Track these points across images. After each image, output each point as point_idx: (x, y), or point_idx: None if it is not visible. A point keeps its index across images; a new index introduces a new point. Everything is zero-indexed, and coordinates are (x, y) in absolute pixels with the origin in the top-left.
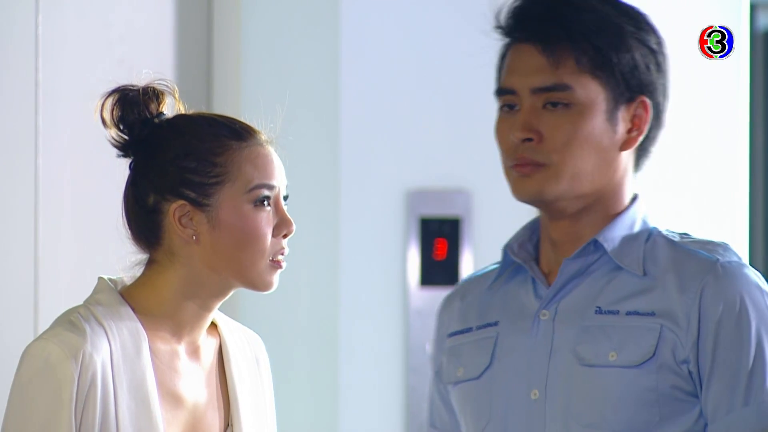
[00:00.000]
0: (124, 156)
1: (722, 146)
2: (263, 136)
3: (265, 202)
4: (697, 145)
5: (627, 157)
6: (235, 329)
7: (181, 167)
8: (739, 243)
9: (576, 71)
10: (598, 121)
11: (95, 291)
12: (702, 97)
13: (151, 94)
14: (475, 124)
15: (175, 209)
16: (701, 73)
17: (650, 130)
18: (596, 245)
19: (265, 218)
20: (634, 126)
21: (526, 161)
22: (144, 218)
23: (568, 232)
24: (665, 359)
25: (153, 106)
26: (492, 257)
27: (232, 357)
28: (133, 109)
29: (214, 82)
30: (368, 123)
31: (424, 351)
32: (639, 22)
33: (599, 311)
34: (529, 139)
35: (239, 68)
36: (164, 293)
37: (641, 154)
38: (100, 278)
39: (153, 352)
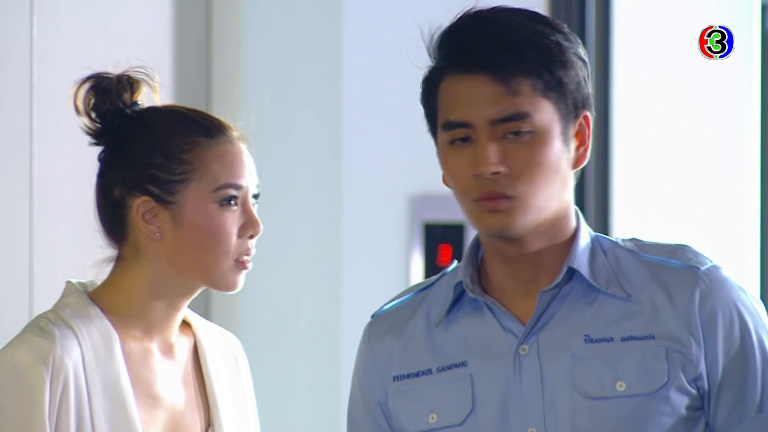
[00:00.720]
0: (97, 144)
1: (732, 150)
2: (235, 134)
3: (232, 202)
4: (706, 150)
5: (572, 173)
6: (210, 328)
7: (148, 163)
8: (749, 251)
9: (531, 96)
10: (556, 145)
11: (63, 295)
12: (712, 100)
13: (126, 83)
14: None
15: (138, 205)
16: (711, 76)
17: None
18: (568, 270)
19: (231, 218)
20: (580, 143)
21: (496, 195)
22: (110, 211)
23: (533, 264)
24: (678, 381)
25: (126, 96)
26: None
27: (208, 356)
28: (105, 98)
29: (213, 85)
30: (371, 126)
31: None
32: (568, 35)
33: (589, 340)
34: (497, 172)
35: (239, 71)
36: (131, 291)
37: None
38: (68, 282)
39: (125, 352)
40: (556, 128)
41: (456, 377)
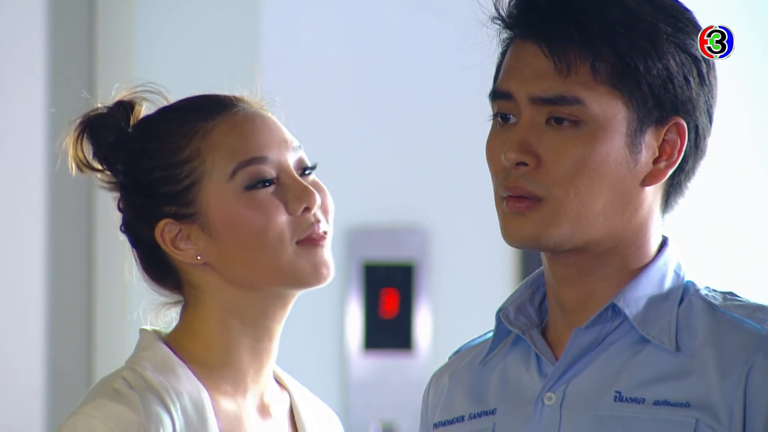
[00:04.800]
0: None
1: (753, 172)
2: (243, 103)
3: (265, 184)
4: (723, 172)
5: (652, 193)
6: (303, 390)
7: (151, 183)
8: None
9: (590, 81)
10: (614, 147)
11: (140, 348)
12: (734, 115)
13: (118, 110)
14: (433, 148)
15: (162, 233)
16: (730, 89)
17: (686, 161)
18: (615, 310)
19: (266, 198)
20: (663, 155)
21: (519, 193)
22: (149, 259)
23: (580, 293)
24: None
25: (123, 125)
26: (454, 313)
27: (305, 419)
28: (102, 137)
29: (98, 92)
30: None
31: None
32: (680, 21)
33: (619, 398)
34: (524, 164)
35: (131, 76)
36: (209, 336)
37: (673, 190)
38: (142, 331)
39: (218, 414)
40: (619, 127)
41: (480, 427)
